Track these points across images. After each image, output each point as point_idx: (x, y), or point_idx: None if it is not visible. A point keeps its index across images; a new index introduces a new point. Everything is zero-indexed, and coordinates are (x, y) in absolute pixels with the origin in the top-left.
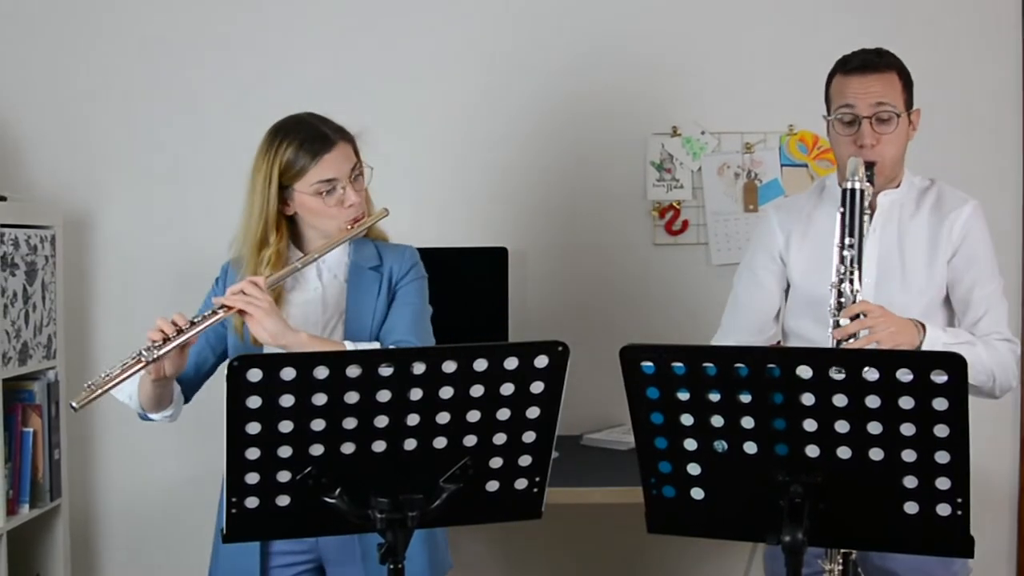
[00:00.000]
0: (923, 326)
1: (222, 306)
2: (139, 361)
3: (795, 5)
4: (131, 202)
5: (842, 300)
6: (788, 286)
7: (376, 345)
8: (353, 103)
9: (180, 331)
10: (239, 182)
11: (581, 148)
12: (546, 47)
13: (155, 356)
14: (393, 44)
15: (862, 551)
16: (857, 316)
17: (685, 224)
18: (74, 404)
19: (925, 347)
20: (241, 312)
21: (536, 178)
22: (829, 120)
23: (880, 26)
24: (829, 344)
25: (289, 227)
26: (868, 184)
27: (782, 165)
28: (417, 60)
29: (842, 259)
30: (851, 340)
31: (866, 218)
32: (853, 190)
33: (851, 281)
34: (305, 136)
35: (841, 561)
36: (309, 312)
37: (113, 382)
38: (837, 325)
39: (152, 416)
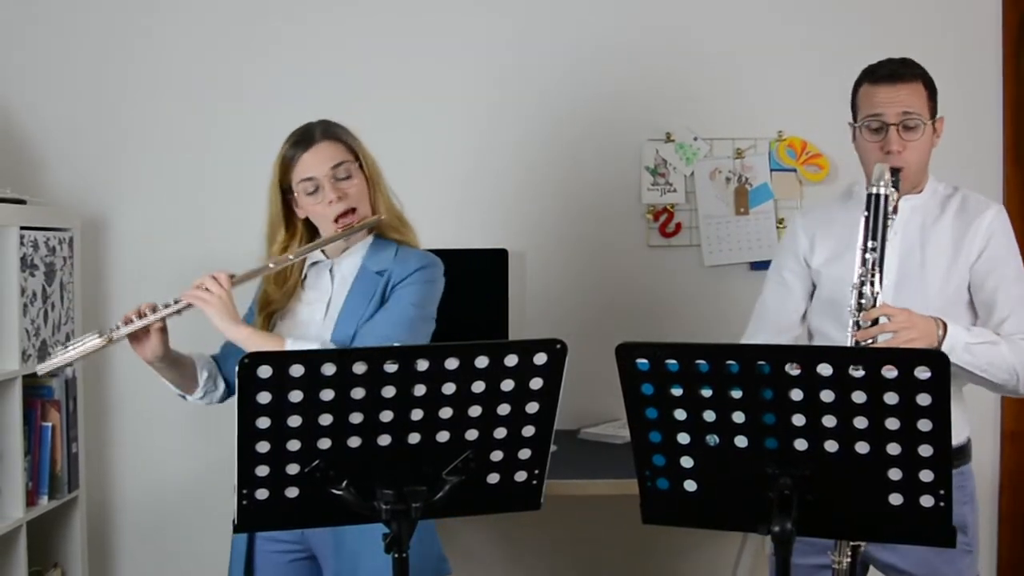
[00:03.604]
0: (944, 325)
1: (184, 301)
2: (98, 337)
3: (784, 17)
4: (147, 205)
5: (863, 301)
6: (813, 289)
7: (315, 345)
8: (357, 107)
9: (142, 316)
10: (252, 185)
11: (578, 153)
12: (545, 57)
13: (111, 336)
14: (395, 51)
15: (869, 546)
16: (877, 320)
17: (678, 227)
18: (38, 370)
19: (945, 346)
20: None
21: (535, 182)
22: (855, 127)
23: (866, 36)
24: (848, 344)
25: (306, 230)
26: (893, 190)
27: (772, 170)
28: (416, 66)
29: (864, 261)
30: (870, 342)
31: (890, 222)
32: (878, 195)
33: (872, 283)
34: (294, 138)
35: (850, 553)
36: (315, 312)
37: (73, 353)
38: (857, 326)
39: (188, 397)
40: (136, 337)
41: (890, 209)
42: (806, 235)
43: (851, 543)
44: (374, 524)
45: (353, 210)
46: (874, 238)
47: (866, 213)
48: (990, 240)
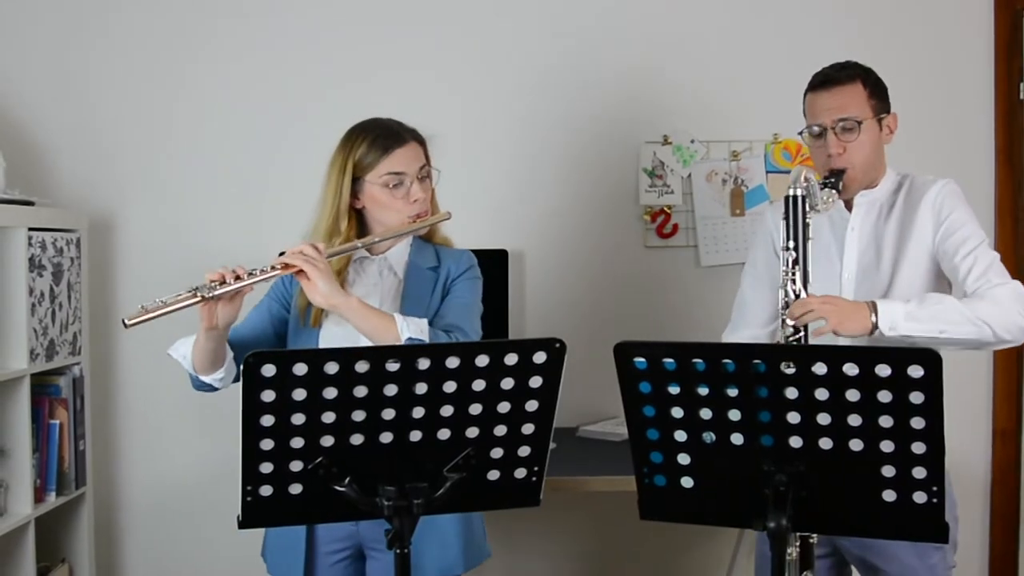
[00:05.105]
0: (874, 306)
1: (283, 265)
2: (193, 295)
3: (779, 22)
4: (154, 205)
5: (787, 300)
6: None
7: (424, 322)
8: (359, 109)
9: (238, 278)
10: (259, 184)
11: (577, 155)
12: (544, 60)
13: (209, 294)
14: (396, 55)
15: (844, 543)
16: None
17: (675, 228)
18: (126, 321)
19: (881, 320)
20: (298, 273)
21: (535, 184)
22: (802, 134)
23: (861, 39)
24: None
25: (357, 221)
26: (835, 192)
27: (767, 172)
28: (417, 70)
29: (785, 261)
30: (800, 335)
31: (810, 221)
32: (794, 197)
33: (793, 281)
34: (379, 132)
35: (799, 545)
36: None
37: (166, 308)
38: (784, 323)
39: (204, 378)
40: (221, 300)
41: (808, 209)
42: (776, 227)
43: (800, 534)
44: (435, 515)
45: (426, 210)
46: (793, 239)
47: (785, 216)
48: (939, 213)
